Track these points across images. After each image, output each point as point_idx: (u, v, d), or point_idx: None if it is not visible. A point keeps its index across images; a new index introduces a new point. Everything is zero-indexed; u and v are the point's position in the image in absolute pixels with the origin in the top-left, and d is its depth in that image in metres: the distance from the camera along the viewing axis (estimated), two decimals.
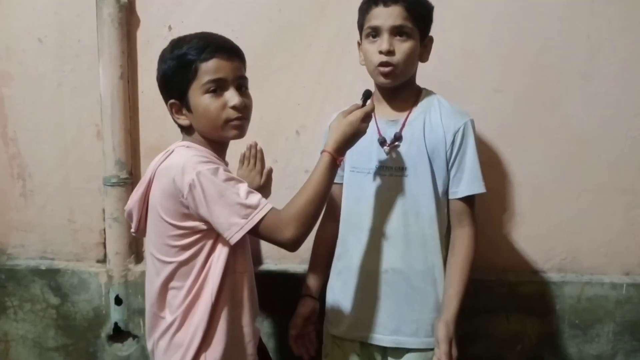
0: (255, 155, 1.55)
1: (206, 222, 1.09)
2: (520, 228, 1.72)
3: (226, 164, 1.23)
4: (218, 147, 1.19)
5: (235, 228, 1.06)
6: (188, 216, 1.10)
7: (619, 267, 1.73)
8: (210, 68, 1.10)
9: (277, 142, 1.68)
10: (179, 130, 1.22)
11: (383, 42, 1.25)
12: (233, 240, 1.07)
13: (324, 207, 1.15)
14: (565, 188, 1.69)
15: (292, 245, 1.10)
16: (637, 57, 1.62)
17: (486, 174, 1.34)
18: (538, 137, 1.67)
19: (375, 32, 1.27)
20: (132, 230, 1.24)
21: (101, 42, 1.62)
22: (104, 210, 1.72)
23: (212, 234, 1.12)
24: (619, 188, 1.69)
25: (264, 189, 1.55)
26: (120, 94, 1.64)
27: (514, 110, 1.66)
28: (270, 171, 1.49)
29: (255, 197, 1.08)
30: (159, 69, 1.16)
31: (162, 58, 1.15)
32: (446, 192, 1.34)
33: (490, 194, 1.36)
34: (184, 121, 1.15)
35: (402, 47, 1.26)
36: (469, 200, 1.33)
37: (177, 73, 1.11)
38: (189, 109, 1.13)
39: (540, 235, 1.72)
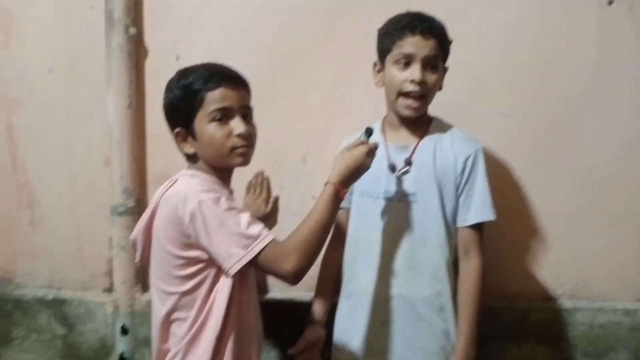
0: (261, 184, 1.56)
1: (207, 251, 1.09)
2: (531, 254, 1.70)
3: (231, 191, 1.23)
4: (223, 174, 1.19)
5: (234, 258, 1.06)
6: (190, 245, 1.10)
7: (632, 293, 1.70)
8: (216, 97, 1.11)
9: (283, 169, 1.67)
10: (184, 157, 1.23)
11: (416, 71, 1.26)
12: (232, 272, 1.07)
13: (327, 239, 1.15)
14: (575, 212, 1.67)
15: (292, 277, 1.08)
16: None
17: (495, 199, 1.34)
18: (547, 161, 1.66)
19: (407, 60, 1.27)
20: (136, 259, 1.24)
21: (110, 72, 1.64)
22: (111, 239, 1.72)
23: (215, 263, 1.11)
24: (630, 212, 1.66)
25: (270, 217, 1.57)
26: (128, 122, 1.66)
27: (521, 135, 1.65)
28: (276, 200, 1.51)
29: (257, 228, 1.07)
30: (165, 98, 1.17)
31: (169, 87, 1.17)
32: (455, 219, 1.34)
33: (499, 219, 1.35)
34: (189, 149, 1.16)
35: (432, 79, 1.28)
36: (477, 228, 1.33)
37: (184, 102, 1.13)
38: (194, 137, 1.14)
39: (551, 261, 1.69)
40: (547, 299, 1.70)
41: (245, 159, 1.16)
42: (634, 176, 1.65)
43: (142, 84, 1.69)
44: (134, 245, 1.23)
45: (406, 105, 1.29)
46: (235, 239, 1.05)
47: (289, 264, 1.06)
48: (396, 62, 1.29)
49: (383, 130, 1.40)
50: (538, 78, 1.63)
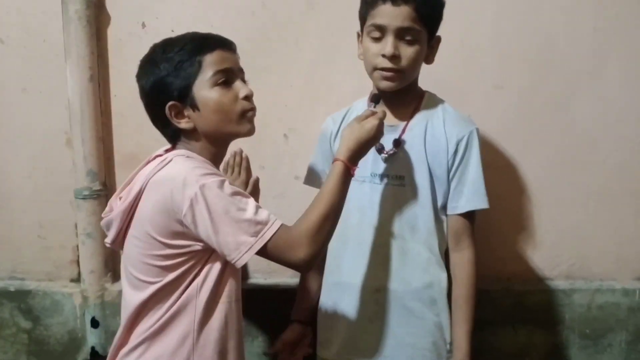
0: (240, 164, 1.44)
1: (202, 242, 0.99)
2: (526, 234, 1.63)
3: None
4: (218, 152, 1.10)
5: (244, 247, 0.96)
6: (181, 235, 0.99)
7: (630, 273, 1.66)
8: (216, 59, 1.03)
9: (263, 147, 1.56)
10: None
11: (387, 44, 1.13)
12: (241, 262, 0.97)
13: (338, 219, 1.06)
14: (572, 191, 1.61)
15: (304, 266, 1.01)
16: None
17: (488, 177, 1.24)
18: (542, 138, 1.58)
19: (379, 32, 1.15)
20: (107, 241, 1.12)
21: (68, 41, 1.49)
22: (76, 225, 1.59)
23: (204, 256, 1.02)
24: (628, 191, 1.61)
25: None
26: (90, 98, 1.51)
27: (516, 109, 1.57)
28: (256, 181, 1.40)
29: (264, 213, 0.99)
30: (148, 75, 1.05)
31: (153, 62, 1.04)
32: (446, 206, 1.24)
33: (492, 199, 1.25)
34: (187, 124, 1.05)
35: (408, 52, 1.15)
36: (469, 216, 1.23)
37: (178, 72, 1.02)
38: (195, 108, 1.04)
39: (547, 241, 1.63)
40: (543, 280, 1.64)
41: (253, 126, 1.09)
42: (633, 153, 1.59)
43: (105, 54, 1.54)
44: (107, 226, 1.11)
45: (382, 77, 1.17)
46: (243, 226, 0.96)
47: (300, 252, 0.98)
48: (369, 33, 1.17)
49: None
50: (534, 50, 1.54)
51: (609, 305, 1.61)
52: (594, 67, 1.54)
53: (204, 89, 1.03)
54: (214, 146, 1.09)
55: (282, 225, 0.99)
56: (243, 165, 1.44)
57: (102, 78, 1.54)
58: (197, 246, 1.01)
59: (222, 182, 0.98)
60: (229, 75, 1.05)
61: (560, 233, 1.62)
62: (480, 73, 1.55)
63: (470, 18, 1.51)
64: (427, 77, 1.27)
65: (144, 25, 1.52)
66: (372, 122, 1.10)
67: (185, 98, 1.03)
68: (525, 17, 1.52)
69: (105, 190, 1.56)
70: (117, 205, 1.07)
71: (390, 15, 1.12)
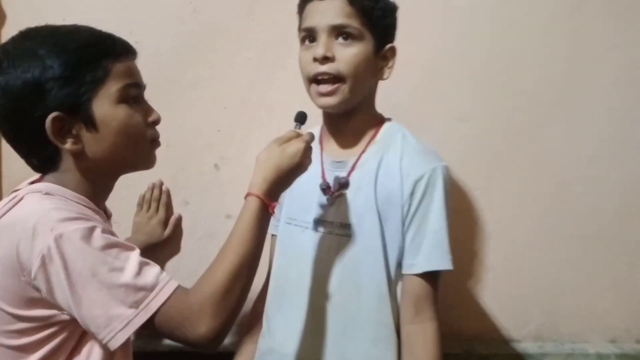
0: (158, 199, 1.28)
1: (70, 312, 0.75)
2: (490, 287, 1.43)
3: (108, 215, 0.94)
4: (104, 186, 0.89)
5: (118, 324, 0.72)
6: (37, 302, 0.75)
7: (604, 333, 1.47)
8: (126, 69, 0.84)
9: (188, 179, 1.36)
10: None
11: (319, 46, 0.95)
12: (114, 344, 0.73)
13: (254, 275, 0.84)
14: (540, 238, 1.42)
15: (208, 343, 0.76)
16: (623, 84, 1.39)
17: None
18: (509, 176, 1.40)
19: (310, 35, 0.97)
20: None
21: None
22: None
23: (78, 328, 0.77)
24: (601, 237, 1.43)
25: (169, 244, 1.30)
26: None
27: (481, 144, 1.39)
28: (178, 220, 1.25)
29: (151, 273, 0.76)
30: (20, 69, 0.78)
31: (32, 54, 0.79)
32: (401, 263, 1.01)
33: (453, 246, 1.03)
34: (74, 146, 0.81)
35: (345, 54, 0.95)
36: (431, 278, 0.98)
37: (73, 75, 0.79)
38: (90, 126, 0.81)
39: (514, 296, 1.43)
40: (510, 341, 1.44)
41: (155, 159, 0.91)
42: (608, 196, 1.42)
43: None
44: None
45: (317, 93, 0.97)
46: (118, 294, 0.73)
47: (201, 326, 0.75)
48: (302, 41, 1.01)
49: (321, 138, 1.10)
50: (502, 77, 1.38)
51: None
52: (565, 98, 1.39)
53: (107, 105, 0.81)
54: (102, 178, 0.87)
55: (176, 289, 0.76)
56: (162, 200, 1.29)
57: None
58: (65, 315, 0.75)
59: (91, 230, 0.74)
60: (139, 92, 0.87)
61: (527, 286, 1.43)
62: (440, 100, 1.38)
63: (430, 38, 1.35)
64: (383, 102, 1.09)
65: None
66: (297, 146, 0.89)
67: (76, 112, 0.80)
68: (492, 41, 1.37)
69: None
70: None
71: (319, 12, 0.96)
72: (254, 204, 0.85)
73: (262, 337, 1.09)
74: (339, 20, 0.94)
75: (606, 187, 1.42)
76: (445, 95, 1.37)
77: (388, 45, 1.01)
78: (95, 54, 0.81)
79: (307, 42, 0.98)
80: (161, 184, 1.26)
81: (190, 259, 1.32)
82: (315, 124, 1.11)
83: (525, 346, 1.43)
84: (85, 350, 0.78)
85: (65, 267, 0.72)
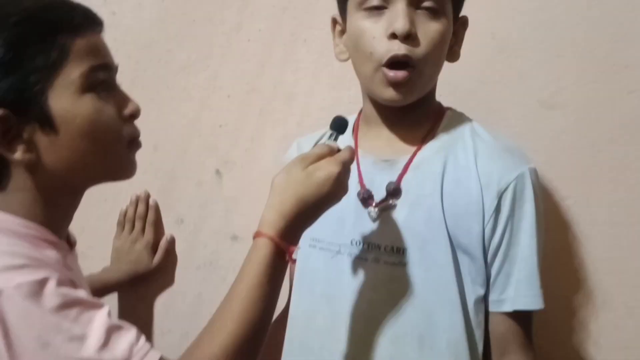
0: (143, 217, 1.16)
1: None
2: (588, 332, 1.15)
3: (71, 243, 0.82)
4: (66, 208, 0.77)
5: None
6: None
7: None
8: (90, 46, 0.73)
9: (183, 190, 1.22)
10: None
11: (398, 16, 0.79)
12: None
13: (262, 347, 0.73)
14: None
15: None
16: None
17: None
18: (612, 182, 1.12)
19: (381, 2, 0.82)
20: None
21: None
22: None
23: None
24: None
25: (160, 273, 1.18)
26: None
27: (574, 137, 1.12)
28: (170, 243, 1.14)
29: (123, 342, 0.65)
30: None
31: None
32: (484, 298, 0.87)
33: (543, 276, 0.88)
34: (26, 154, 0.70)
35: (431, 31, 0.81)
36: (522, 317, 0.87)
37: (17, 57, 0.68)
38: (46, 127, 0.70)
39: (614, 343, 1.14)
40: None
41: (135, 165, 0.81)
42: None
43: None
44: None
45: (387, 81, 0.81)
46: None
47: None
48: (360, 5, 0.84)
49: (355, 132, 0.96)
50: (603, 49, 1.10)
51: None
52: None
53: (67, 96, 0.70)
54: (64, 196, 0.75)
55: None
56: (149, 219, 1.16)
57: None
58: None
59: (41, 283, 0.64)
60: (109, 76, 0.75)
61: (634, 332, 1.13)
62: (518, 80, 1.13)
63: (508, 2, 1.13)
64: (442, 85, 0.92)
65: None
66: (329, 170, 0.74)
67: (26, 107, 0.69)
68: (591, 6, 1.11)
69: None
70: None
71: None
72: (264, 249, 0.71)
73: None
74: None
75: None
76: (526, 76, 1.14)
77: (462, 16, 0.89)
78: (47, 28, 0.70)
79: (372, 9, 0.82)
80: (147, 196, 1.14)
81: (186, 295, 1.18)
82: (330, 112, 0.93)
83: None
84: None
85: (6, 336, 0.62)
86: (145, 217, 1.15)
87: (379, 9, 0.81)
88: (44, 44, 0.69)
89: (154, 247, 1.15)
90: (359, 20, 0.83)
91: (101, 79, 0.72)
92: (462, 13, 0.89)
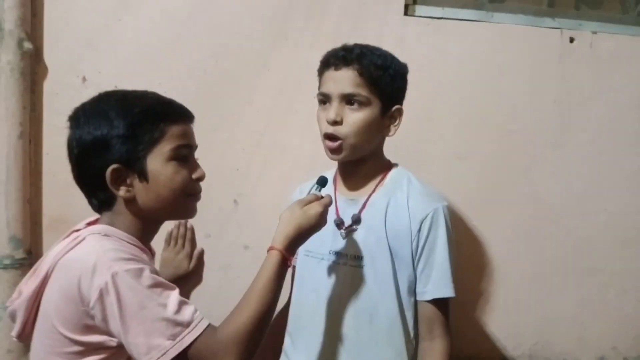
0: (184, 235, 1.32)
1: (120, 339, 0.86)
2: (487, 311, 1.54)
3: (152, 252, 1.03)
4: (150, 230, 0.99)
5: (156, 352, 0.83)
6: (92, 329, 0.86)
7: (593, 351, 1.58)
8: (180, 132, 0.94)
9: (210, 213, 1.44)
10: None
11: (330, 110, 1.08)
12: None
13: (271, 320, 0.95)
14: (535, 267, 1.54)
15: None
16: (609, 125, 1.51)
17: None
18: (505, 211, 1.51)
19: (326, 99, 1.10)
20: (13, 334, 0.97)
21: None
22: None
23: (124, 354, 0.88)
24: (592, 267, 1.55)
25: (194, 275, 1.33)
26: (19, 156, 1.37)
27: (478, 180, 1.51)
28: (201, 254, 1.28)
29: (188, 311, 0.86)
30: (93, 126, 0.91)
31: (104, 115, 0.91)
32: (413, 291, 1.13)
33: (456, 275, 1.14)
34: (127, 193, 0.92)
35: (352, 118, 1.08)
36: (441, 303, 1.11)
37: (134, 134, 0.91)
38: (142, 178, 0.92)
39: (509, 319, 1.54)
40: None
41: (195, 210, 1.01)
42: (597, 228, 1.53)
43: (40, 109, 1.41)
44: (12, 316, 0.96)
45: (327, 147, 1.11)
46: (159, 327, 0.84)
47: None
48: (319, 102, 1.13)
49: (335, 178, 1.21)
50: (497, 119, 1.50)
51: None
52: (556, 138, 1.51)
53: (159, 161, 0.92)
54: (148, 223, 0.97)
55: (207, 327, 0.87)
56: (187, 236, 1.31)
57: (34, 134, 1.41)
58: (112, 342, 0.87)
59: (141, 270, 0.86)
60: (189, 152, 0.96)
61: (522, 311, 1.54)
62: (441, 141, 1.49)
63: (430, 84, 1.47)
64: (388, 143, 1.19)
65: (85, 79, 1.41)
66: (316, 209, 1.01)
67: (133, 164, 0.92)
68: (487, 87, 1.48)
69: (29, 258, 1.40)
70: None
71: (333, 81, 1.08)
72: (275, 258, 0.96)
73: (285, 356, 1.20)
74: (349, 89, 1.06)
75: (596, 221, 1.53)
76: (445, 136, 1.49)
77: (395, 107, 1.12)
78: (155, 118, 0.92)
79: (321, 102, 1.12)
80: (186, 221, 1.31)
81: (210, 288, 1.39)
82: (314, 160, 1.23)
83: None
84: None
85: (119, 300, 0.83)
86: (185, 236, 1.29)
87: (326, 103, 1.10)
88: (151, 127, 0.91)
89: (190, 257, 1.28)
90: (318, 111, 1.12)
91: (183, 154, 0.94)
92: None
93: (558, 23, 1.49)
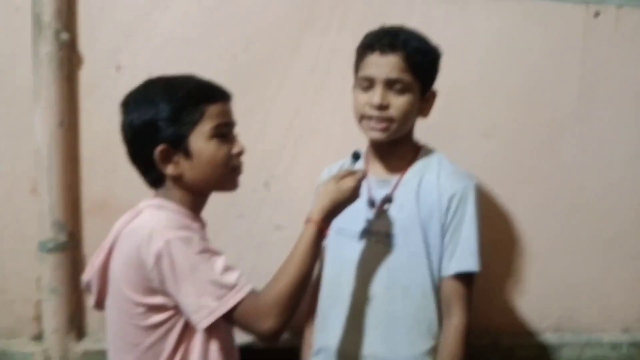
0: None
1: (175, 299, 0.95)
2: (514, 285, 1.59)
3: (203, 224, 1.09)
4: (199, 203, 1.07)
5: (204, 311, 0.91)
6: (155, 291, 0.94)
7: (618, 323, 1.63)
8: (218, 111, 1.01)
9: (243, 195, 1.44)
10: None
11: (375, 94, 1.10)
12: (201, 326, 0.93)
13: (308, 286, 1.01)
14: (560, 239, 1.58)
15: (271, 337, 0.94)
16: (634, 99, 1.54)
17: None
18: (531, 185, 1.55)
19: (368, 83, 1.12)
20: (92, 303, 1.09)
21: (38, 84, 1.40)
22: (39, 279, 1.47)
23: (182, 314, 0.97)
24: (617, 238, 1.59)
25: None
26: (60, 143, 1.42)
27: (504, 157, 1.54)
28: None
29: (233, 276, 0.94)
30: (142, 112, 0.99)
31: (150, 100, 0.99)
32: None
33: (484, 251, 1.17)
34: (174, 170, 1.00)
35: (398, 102, 1.11)
36: (462, 279, 1.13)
37: (177, 116, 0.98)
38: (187, 156, 1.00)
39: (535, 293, 1.59)
40: (532, 333, 1.60)
41: (238, 183, 1.08)
42: (623, 200, 1.57)
43: (76, 98, 1.45)
44: (88, 287, 1.08)
45: (370, 127, 1.13)
46: (207, 288, 0.92)
47: (267, 322, 0.93)
48: (359, 84, 1.14)
49: (366, 159, 1.23)
50: (522, 95, 1.52)
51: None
52: (580, 111, 1.53)
53: (201, 139, 1.00)
54: (196, 196, 1.05)
55: (250, 291, 0.94)
56: None
57: (72, 122, 1.45)
58: (171, 303, 0.95)
59: (190, 238, 0.94)
60: (228, 129, 1.03)
61: (549, 283, 1.58)
62: (467, 119, 1.51)
63: (456, 62, 1.46)
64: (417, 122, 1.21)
65: (119, 67, 1.44)
66: (349, 184, 1.05)
67: (179, 144, 0.99)
68: (512, 63, 1.50)
69: (72, 242, 1.45)
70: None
71: (378, 66, 1.10)
72: (312, 229, 1.01)
73: (317, 332, 1.25)
74: (394, 74, 1.09)
75: (622, 191, 1.56)
76: (470, 113, 1.51)
77: (431, 90, 1.16)
78: (195, 100, 0.99)
79: (363, 84, 1.13)
80: None
81: (245, 265, 1.41)
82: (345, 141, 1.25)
83: (546, 337, 1.58)
84: (192, 331, 0.97)
85: (172, 263, 0.91)
86: None
87: (367, 87, 1.11)
88: (193, 108, 0.98)
89: None
90: (357, 93, 1.14)
91: (223, 131, 1.01)
92: None
93: None
